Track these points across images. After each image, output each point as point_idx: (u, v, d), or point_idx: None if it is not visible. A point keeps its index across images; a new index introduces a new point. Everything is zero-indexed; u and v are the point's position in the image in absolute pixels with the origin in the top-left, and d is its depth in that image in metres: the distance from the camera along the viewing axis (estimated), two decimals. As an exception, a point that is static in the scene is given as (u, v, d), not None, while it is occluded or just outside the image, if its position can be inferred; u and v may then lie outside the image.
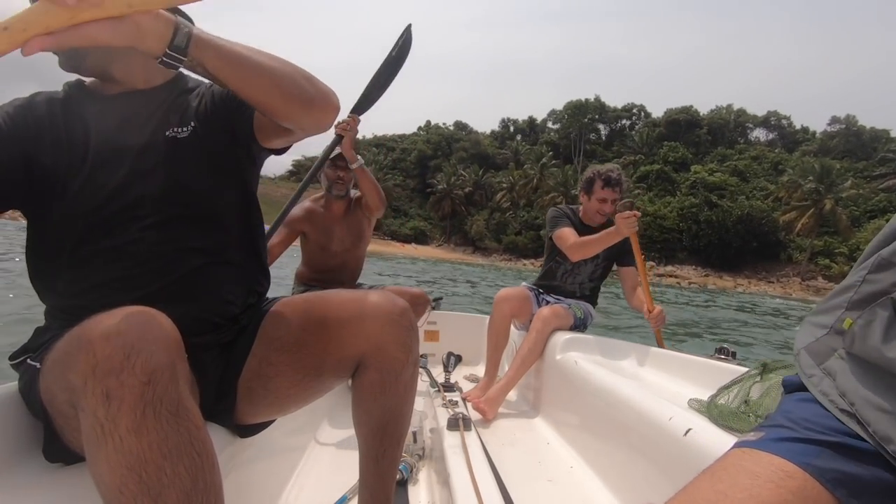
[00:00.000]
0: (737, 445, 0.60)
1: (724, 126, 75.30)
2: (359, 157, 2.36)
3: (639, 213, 2.18)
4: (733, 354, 1.93)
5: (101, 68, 0.93)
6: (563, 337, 2.21)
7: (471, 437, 1.49)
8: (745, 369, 1.49)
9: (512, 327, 2.55)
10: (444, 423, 1.61)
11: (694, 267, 51.58)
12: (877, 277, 0.60)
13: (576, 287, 2.58)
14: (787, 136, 75.56)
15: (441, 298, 2.94)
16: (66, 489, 0.74)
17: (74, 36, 0.63)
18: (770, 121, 77.92)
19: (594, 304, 2.64)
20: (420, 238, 66.50)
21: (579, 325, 2.43)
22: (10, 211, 0.90)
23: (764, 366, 1.37)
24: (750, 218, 49.58)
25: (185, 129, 0.95)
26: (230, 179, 1.00)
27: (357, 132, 2.27)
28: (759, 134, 78.71)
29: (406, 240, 64.76)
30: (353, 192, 2.63)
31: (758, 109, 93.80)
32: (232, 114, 0.98)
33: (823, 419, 0.58)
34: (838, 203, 47.01)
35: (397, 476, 1.26)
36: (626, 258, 2.51)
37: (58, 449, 0.79)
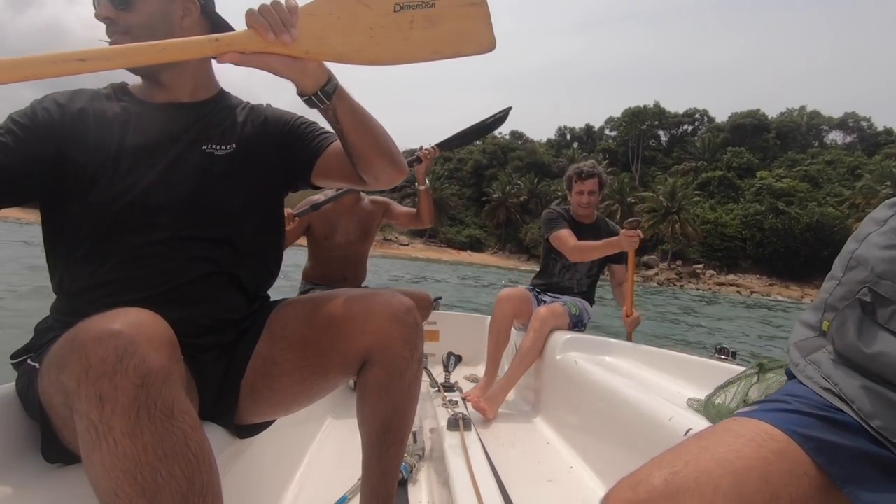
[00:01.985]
0: (733, 416, 0.65)
1: (794, 129, 71.75)
2: (426, 180, 2.55)
3: (642, 235, 2.30)
4: (733, 354, 1.93)
5: (155, 71, 0.97)
6: (562, 337, 2.21)
7: (471, 437, 1.49)
8: (743, 369, 1.49)
9: (512, 328, 2.58)
10: (444, 423, 1.62)
11: (758, 276, 49.79)
12: (848, 278, 0.63)
13: (573, 283, 2.64)
14: (868, 139, 70.63)
15: (440, 298, 2.94)
16: (65, 489, 0.74)
17: (257, 60, 0.78)
18: (848, 123, 73.26)
19: (591, 301, 2.68)
20: (475, 246, 68.16)
21: (577, 324, 2.46)
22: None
23: (760, 366, 1.36)
24: (820, 225, 47.41)
25: (224, 147, 0.98)
26: (259, 201, 1.03)
27: (432, 163, 2.49)
28: (836, 137, 74.34)
29: (461, 247, 66.64)
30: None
31: (834, 111, 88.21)
32: (291, 142, 1.05)
33: (815, 397, 0.62)
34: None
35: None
36: (620, 258, 2.61)
37: (56, 449, 0.79)
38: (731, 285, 46.05)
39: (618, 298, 2.66)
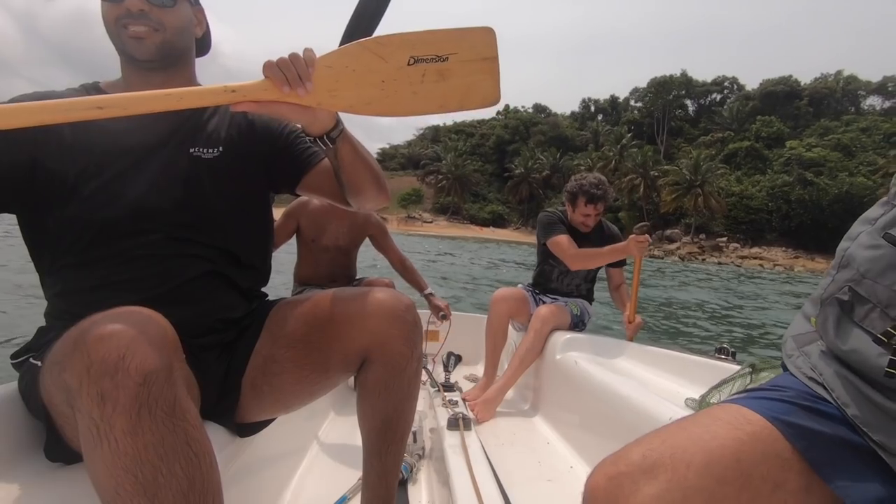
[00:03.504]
0: (719, 403, 0.67)
1: (829, 96, 69.26)
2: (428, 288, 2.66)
3: (650, 240, 2.30)
4: (733, 354, 1.94)
5: (151, 74, 0.96)
6: (562, 337, 2.22)
7: (471, 436, 1.51)
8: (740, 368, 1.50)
9: (511, 328, 2.59)
10: (444, 422, 1.63)
11: (784, 249, 49.40)
12: (839, 276, 0.65)
13: (572, 288, 2.61)
14: (908, 103, 67.82)
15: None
16: (67, 488, 0.75)
17: (270, 108, 0.81)
18: (887, 87, 70.12)
19: (591, 300, 2.66)
20: (498, 221, 69.09)
21: (577, 324, 2.45)
22: None
23: (753, 366, 1.39)
24: (850, 196, 46.50)
25: (211, 150, 0.99)
26: (246, 203, 1.05)
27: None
28: (875, 102, 71.42)
29: (484, 223, 67.66)
30: None
31: (873, 75, 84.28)
32: (279, 152, 1.08)
33: (801, 387, 0.65)
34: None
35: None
36: (618, 261, 2.57)
37: (58, 448, 0.80)
38: (755, 258, 45.97)
39: (615, 302, 2.64)
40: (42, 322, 0.95)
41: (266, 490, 1.34)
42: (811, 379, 0.65)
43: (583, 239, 2.50)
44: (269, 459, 1.32)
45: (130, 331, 0.62)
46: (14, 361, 0.89)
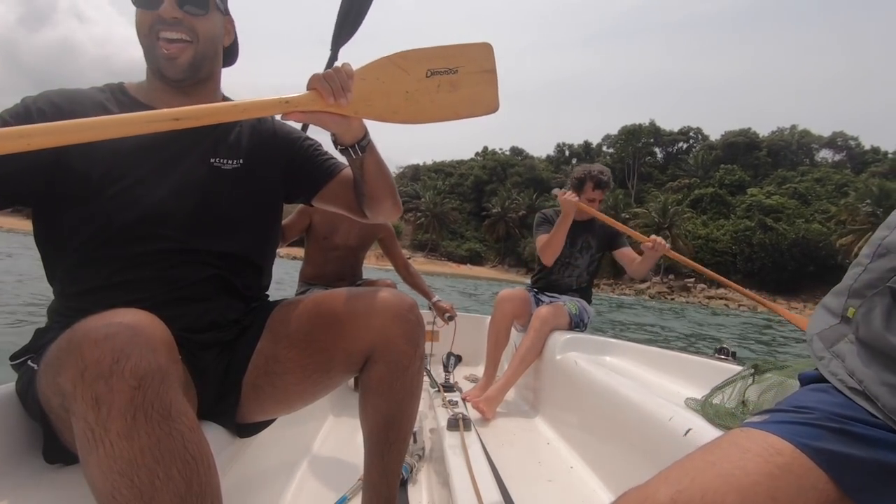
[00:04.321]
0: (741, 426, 0.63)
1: (785, 148, 73.94)
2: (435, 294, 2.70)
3: (566, 193, 2.40)
4: (733, 354, 1.92)
5: (188, 84, 0.98)
6: (562, 337, 2.20)
7: (471, 437, 1.50)
8: (741, 368, 1.49)
9: (512, 328, 2.60)
10: (444, 423, 1.62)
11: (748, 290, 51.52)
12: (875, 266, 0.62)
13: (573, 280, 2.64)
14: (856, 157, 72.86)
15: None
16: (66, 490, 0.74)
17: (314, 117, 0.88)
18: (836, 141, 75.50)
19: (589, 299, 2.68)
20: (475, 259, 70.14)
21: (577, 323, 2.45)
22: None
23: (756, 366, 1.37)
24: (806, 241, 49.44)
25: (232, 162, 1.01)
26: (261, 213, 1.08)
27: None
28: (826, 155, 76.46)
29: (462, 261, 68.61)
30: None
31: (824, 130, 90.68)
32: (300, 164, 1.13)
33: (829, 406, 0.60)
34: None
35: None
36: (616, 241, 2.65)
37: (56, 450, 0.79)
38: (720, 298, 47.79)
39: (638, 271, 2.57)
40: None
41: (266, 491, 1.33)
42: (852, 389, 0.61)
43: (579, 229, 2.60)
44: (268, 460, 1.33)
45: (125, 334, 0.61)
46: (13, 363, 0.89)
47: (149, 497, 0.58)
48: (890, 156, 68.39)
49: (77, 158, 0.89)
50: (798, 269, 49.23)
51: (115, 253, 0.90)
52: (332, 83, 0.85)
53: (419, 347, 1.01)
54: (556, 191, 2.46)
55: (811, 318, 0.72)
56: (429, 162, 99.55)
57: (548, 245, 2.49)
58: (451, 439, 1.50)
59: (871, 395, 0.58)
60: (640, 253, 2.56)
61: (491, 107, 0.99)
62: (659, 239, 2.38)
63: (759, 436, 0.59)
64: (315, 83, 0.86)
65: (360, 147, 0.98)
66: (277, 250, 1.22)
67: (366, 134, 0.98)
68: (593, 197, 2.56)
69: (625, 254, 2.66)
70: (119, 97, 0.99)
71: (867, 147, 74.28)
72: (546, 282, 2.70)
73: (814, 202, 60.15)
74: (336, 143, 0.98)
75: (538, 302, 2.63)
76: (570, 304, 2.50)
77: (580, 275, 2.67)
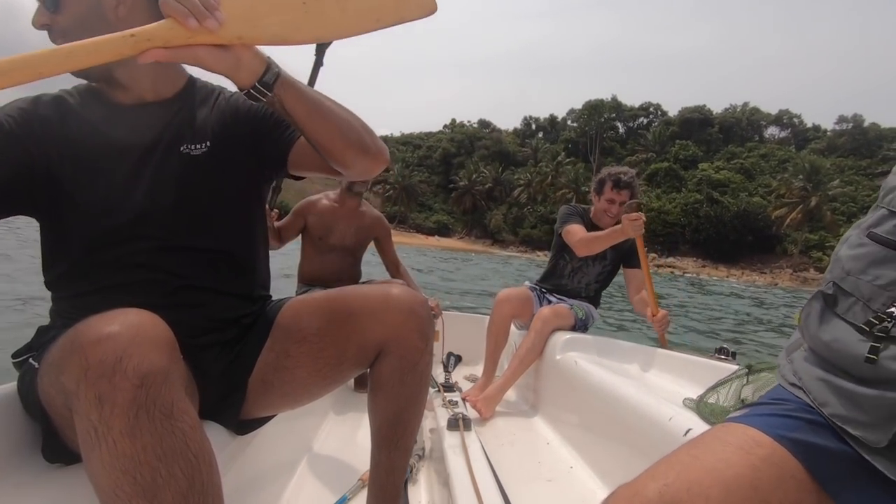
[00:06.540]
0: (724, 421, 0.67)
1: (736, 124, 78.03)
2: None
3: (644, 217, 2.16)
4: (733, 355, 1.94)
5: (107, 72, 0.90)
6: (563, 337, 2.21)
7: (470, 437, 1.51)
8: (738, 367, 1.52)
9: (512, 327, 2.59)
10: (444, 423, 1.62)
11: (694, 259, 55.85)
12: (826, 275, 0.67)
13: (581, 287, 2.59)
14: (799, 134, 77.86)
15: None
16: (66, 489, 0.74)
17: (184, 54, 0.69)
18: (783, 119, 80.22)
19: (596, 305, 2.65)
20: (443, 231, 72.34)
21: (580, 326, 2.44)
22: None
23: (749, 367, 1.41)
24: (746, 213, 53.75)
25: (199, 146, 0.95)
26: (242, 195, 1.03)
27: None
28: (774, 132, 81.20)
29: (430, 232, 70.64)
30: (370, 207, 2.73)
31: (772, 107, 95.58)
32: (263, 137, 1.01)
33: (800, 400, 0.64)
34: (829, 200, 50.77)
35: None
36: (633, 260, 2.48)
37: (57, 449, 0.79)
38: (669, 266, 51.79)
39: (638, 307, 2.48)
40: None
41: (266, 490, 1.34)
42: (792, 384, 0.66)
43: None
44: (269, 459, 1.32)
45: (127, 332, 0.61)
46: (15, 361, 0.88)
47: (151, 494, 0.59)
48: (828, 133, 73.55)
49: (52, 162, 0.87)
50: (738, 240, 53.68)
51: (101, 258, 0.89)
52: (185, 1, 0.66)
53: (429, 343, 1.02)
54: (625, 216, 2.19)
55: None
56: (397, 134, 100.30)
57: (588, 245, 2.37)
58: (450, 439, 1.53)
59: (805, 389, 0.63)
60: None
61: (426, 6, 0.78)
62: (663, 313, 2.31)
63: (740, 429, 0.62)
64: (165, 7, 0.66)
65: (265, 84, 0.77)
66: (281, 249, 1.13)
67: (268, 67, 0.77)
68: (612, 197, 2.47)
69: (635, 276, 2.54)
70: (84, 96, 0.94)
71: (809, 125, 79.42)
72: (553, 285, 2.66)
73: (758, 177, 64.55)
74: (240, 90, 0.78)
75: (543, 301, 2.60)
76: (577, 308, 2.47)
77: (589, 283, 2.61)
